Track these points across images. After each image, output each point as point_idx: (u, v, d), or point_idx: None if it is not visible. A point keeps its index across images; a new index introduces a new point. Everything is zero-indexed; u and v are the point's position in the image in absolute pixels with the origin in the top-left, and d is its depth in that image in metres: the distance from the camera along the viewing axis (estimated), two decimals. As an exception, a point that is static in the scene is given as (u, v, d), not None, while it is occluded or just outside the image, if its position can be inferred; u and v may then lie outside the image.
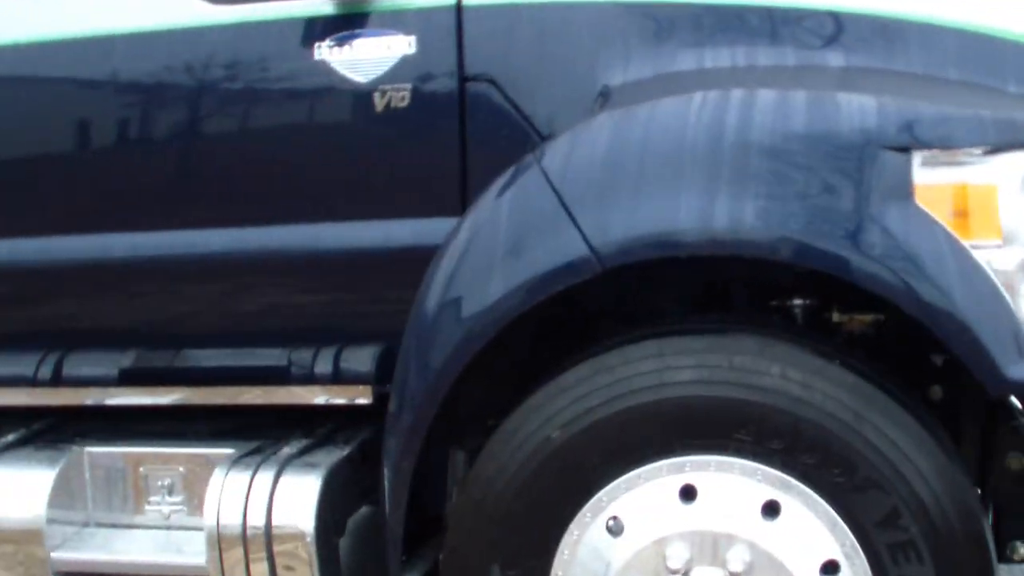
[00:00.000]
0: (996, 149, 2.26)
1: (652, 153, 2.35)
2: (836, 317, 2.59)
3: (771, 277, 2.55)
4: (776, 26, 2.52)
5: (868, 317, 2.58)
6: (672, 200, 2.31)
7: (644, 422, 2.36)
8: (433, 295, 2.50)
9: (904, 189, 2.23)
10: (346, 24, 2.67)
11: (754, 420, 2.31)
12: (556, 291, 2.37)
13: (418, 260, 2.61)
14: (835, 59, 2.48)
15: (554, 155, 2.45)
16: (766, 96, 2.34)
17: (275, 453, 2.83)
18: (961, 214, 2.26)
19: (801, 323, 2.61)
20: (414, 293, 2.57)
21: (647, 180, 2.34)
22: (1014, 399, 2.35)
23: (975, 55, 2.49)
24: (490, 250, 2.45)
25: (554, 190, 2.39)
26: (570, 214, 2.36)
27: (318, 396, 2.85)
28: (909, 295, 2.22)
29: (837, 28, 2.51)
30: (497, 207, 2.48)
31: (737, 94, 2.35)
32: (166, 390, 2.95)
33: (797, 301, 2.62)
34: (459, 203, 2.64)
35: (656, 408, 2.35)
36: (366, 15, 2.66)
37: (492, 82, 2.60)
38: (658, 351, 2.38)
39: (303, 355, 2.83)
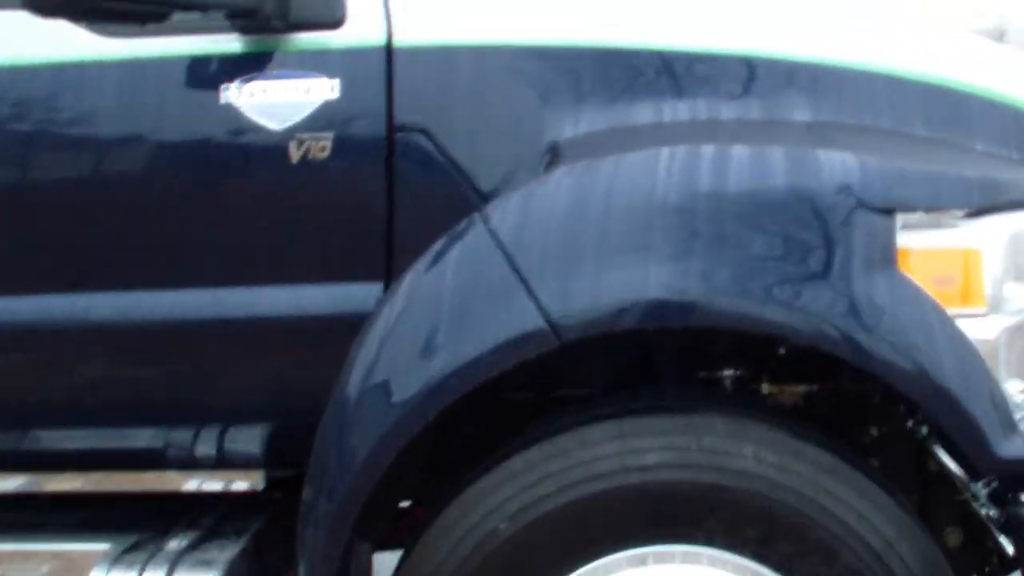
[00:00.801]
0: (981, 211, 2.12)
1: (617, 215, 2.12)
2: (767, 388, 2.41)
3: (699, 346, 2.38)
4: (740, 76, 2.34)
5: (800, 388, 2.42)
6: (641, 267, 2.08)
7: (603, 511, 2.12)
8: (360, 371, 2.21)
9: (887, 254, 2.07)
10: (258, 64, 2.37)
11: (725, 506, 2.10)
12: (506, 368, 2.11)
13: (333, 330, 2.33)
14: (801, 113, 2.31)
15: (505, 215, 2.20)
16: (740, 153, 2.14)
17: (161, 549, 2.47)
18: (944, 281, 2.11)
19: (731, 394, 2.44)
20: (325, 366, 2.29)
21: (612, 245, 2.11)
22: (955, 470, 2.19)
23: (941, 110, 2.35)
24: (430, 322, 2.18)
25: (506, 255, 2.14)
26: (524, 282, 2.11)
27: (200, 481, 2.56)
28: (896, 370, 2.05)
29: (803, 80, 2.33)
30: (438, 273, 2.21)
31: (708, 150, 2.15)
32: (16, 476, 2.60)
33: (727, 372, 2.43)
34: (384, 267, 2.36)
35: (617, 495, 2.12)
36: (282, 54, 2.36)
37: (425, 133, 2.33)
38: (619, 432, 2.15)
39: (182, 435, 2.51)
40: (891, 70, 2.35)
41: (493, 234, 2.17)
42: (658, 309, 2.08)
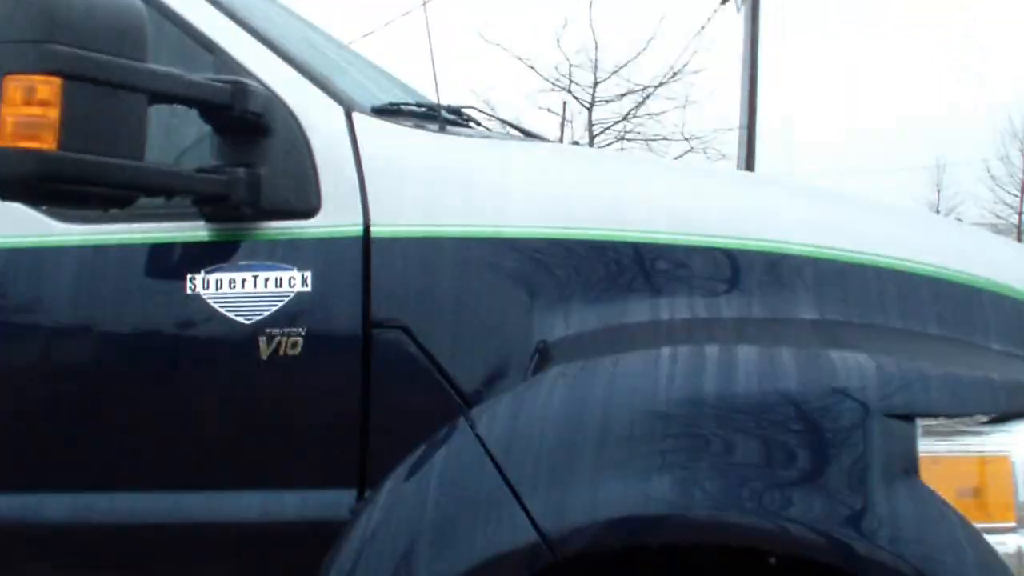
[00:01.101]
0: (1008, 416, 1.97)
1: (618, 421, 1.95)
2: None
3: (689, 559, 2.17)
4: (740, 271, 2.20)
5: None
6: (643, 480, 1.91)
7: None
8: None
9: (909, 463, 1.91)
10: (226, 253, 2.22)
11: None
12: None
13: (302, 538, 2.12)
14: (807, 311, 2.16)
15: (494, 421, 2.02)
16: (747, 353, 1.99)
17: None
18: (971, 492, 1.94)
19: None
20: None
21: (611, 455, 1.93)
22: None
23: (953, 306, 2.22)
24: (411, 533, 1.98)
25: (495, 463, 1.96)
26: (516, 493, 1.92)
27: None
28: None
29: (808, 274, 2.19)
30: (420, 481, 2.02)
31: (712, 351, 2.00)
32: None
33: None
34: (357, 472, 2.16)
35: None
36: (251, 244, 2.21)
37: (404, 330, 2.16)
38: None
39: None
40: (899, 263, 2.22)
41: (481, 441, 2.00)
42: (663, 524, 1.90)
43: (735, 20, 17.92)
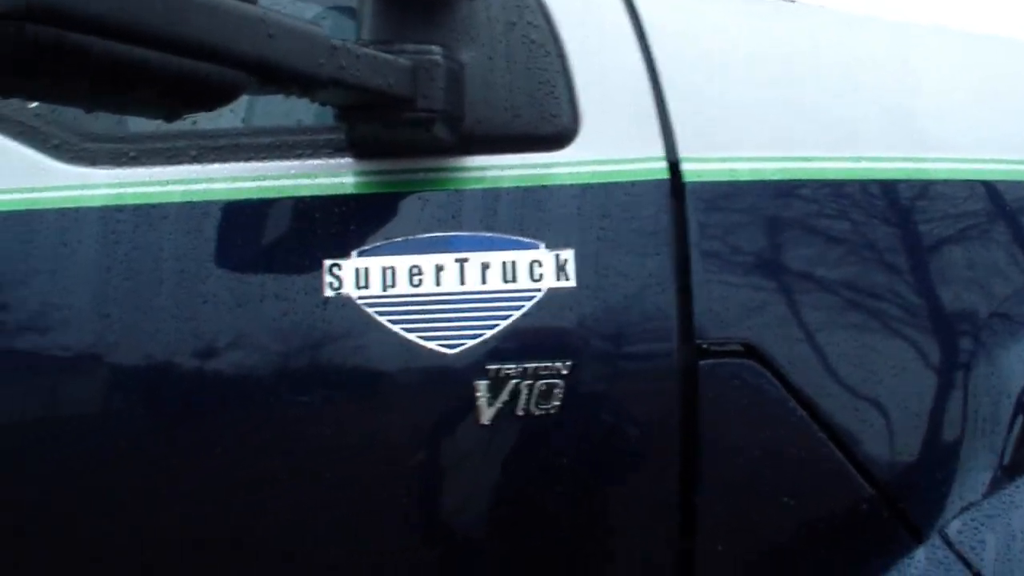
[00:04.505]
0: None
1: None
2: None
3: None
4: None
5: None
6: None
7: None
8: None
9: None
10: (398, 220, 1.16)
11: None
12: None
13: None
14: None
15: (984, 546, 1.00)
16: None
17: None
18: None
19: None
20: None
21: None
22: None
23: None
24: None
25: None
26: None
27: None
28: None
29: None
30: None
31: None
32: None
33: None
34: None
35: None
36: (448, 199, 1.15)
37: (755, 354, 1.13)
38: None
39: None
40: None
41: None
42: None
43: None
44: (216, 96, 0.92)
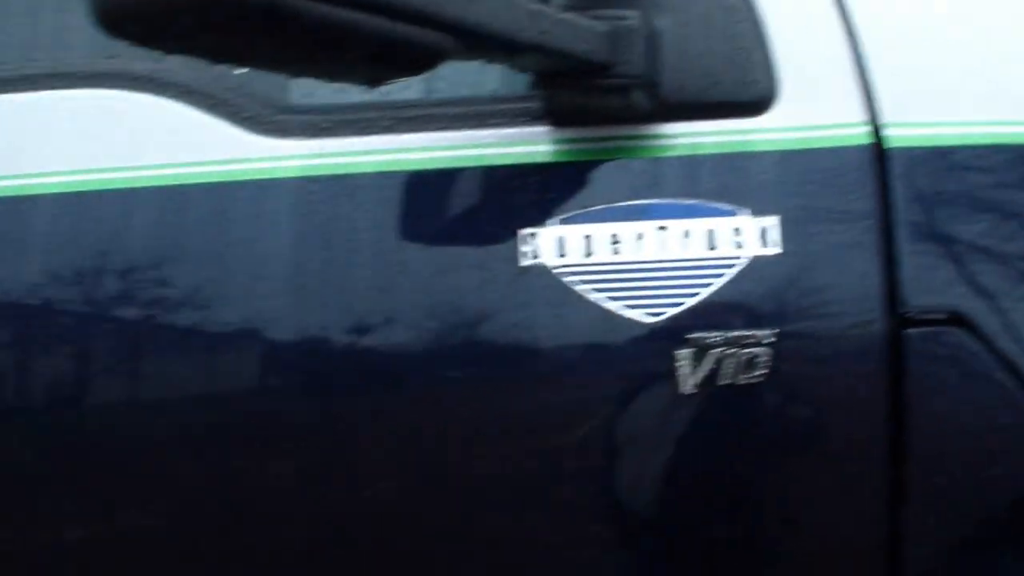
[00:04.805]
0: None
1: None
2: None
3: None
4: None
5: None
6: None
7: None
8: None
9: None
10: (595, 187, 1.15)
11: None
12: None
13: None
14: None
15: None
16: None
17: None
18: None
19: None
20: None
21: None
22: None
23: None
24: None
25: None
26: None
27: None
28: None
29: None
30: None
31: None
32: None
33: None
34: None
35: None
36: (645, 167, 1.14)
37: (965, 323, 1.09)
38: None
39: None
40: None
41: None
42: None
43: None
44: (421, 62, 0.92)
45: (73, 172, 1.21)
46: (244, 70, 1.14)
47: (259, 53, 0.87)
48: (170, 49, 0.84)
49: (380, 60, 0.90)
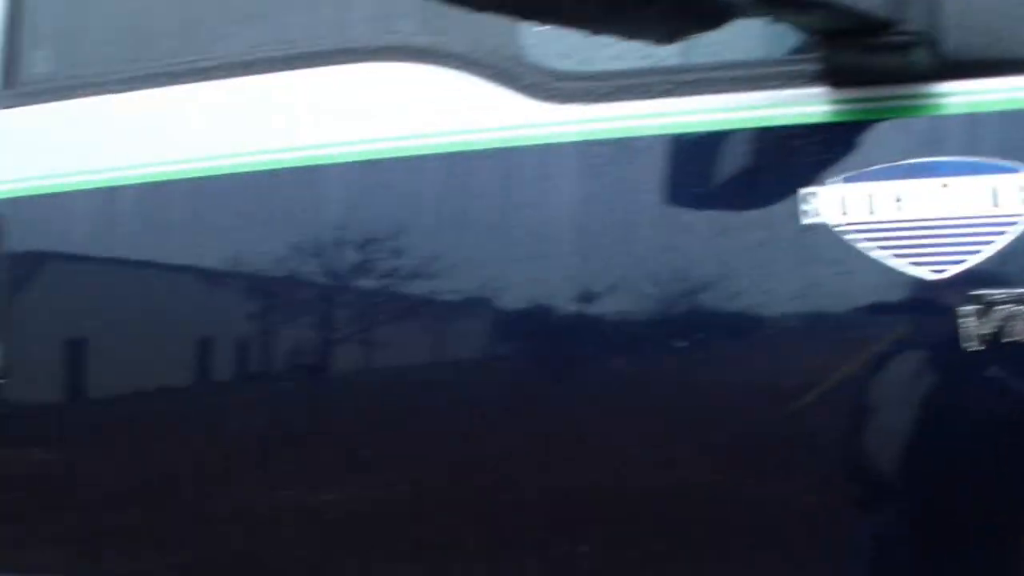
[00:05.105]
0: None
1: None
2: None
3: None
4: None
5: None
6: None
7: None
8: None
9: None
10: (876, 146, 1.16)
11: None
12: None
13: None
14: None
15: None
16: None
17: None
18: None
19: None
20: None
21: None
22: None
23: None
24: None
25: None
26: None
27: None
28: None
29: None
30: None
31: None
32: None
33: None
34: None
35: None
36: (928, 125, 1.15)
37: None
38: None
39: None
40: None
41: None
42: None
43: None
44: (715, 17, 0.96)
45: (362, 141, 1.29)
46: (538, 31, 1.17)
47: (566, 9, 0.92)
48: (479, 6, 0.90)
49: (678, 16, 0.94)
